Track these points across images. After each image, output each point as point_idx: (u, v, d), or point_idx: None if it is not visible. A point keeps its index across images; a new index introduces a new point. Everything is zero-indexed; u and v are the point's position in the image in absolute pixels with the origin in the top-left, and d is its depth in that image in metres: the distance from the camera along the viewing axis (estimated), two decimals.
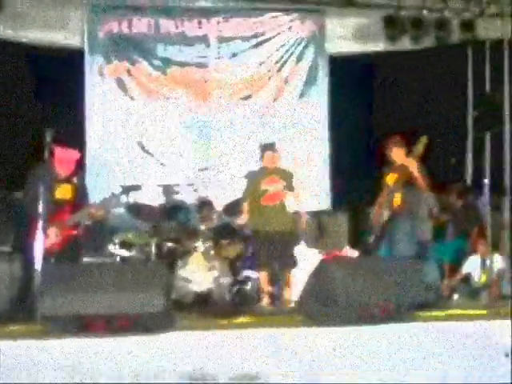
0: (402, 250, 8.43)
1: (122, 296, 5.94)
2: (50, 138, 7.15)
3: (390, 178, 8.77)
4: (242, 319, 6.92)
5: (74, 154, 8.02)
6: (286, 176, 8.97)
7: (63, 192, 7.82)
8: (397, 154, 8.75)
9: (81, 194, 8.06)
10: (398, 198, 8.64)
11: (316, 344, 6.10)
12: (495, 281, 9.23)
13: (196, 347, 5.97)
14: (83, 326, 5.93)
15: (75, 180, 8.00)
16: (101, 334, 5.91)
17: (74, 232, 7.79)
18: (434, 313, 7.10)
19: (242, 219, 9.00)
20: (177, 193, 9.75)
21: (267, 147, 9.14)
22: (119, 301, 5.93)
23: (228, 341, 6.06)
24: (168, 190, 9.74)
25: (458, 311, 7.45)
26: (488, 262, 9.33)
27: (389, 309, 6.44)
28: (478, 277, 9.52)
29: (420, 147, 8.34)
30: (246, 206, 8.89)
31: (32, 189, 7.39)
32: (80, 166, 8.40)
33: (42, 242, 6.81)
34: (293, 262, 8.74)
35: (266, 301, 8.48)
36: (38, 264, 6.68)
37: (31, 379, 5.68)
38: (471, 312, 7.32)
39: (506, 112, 11.70)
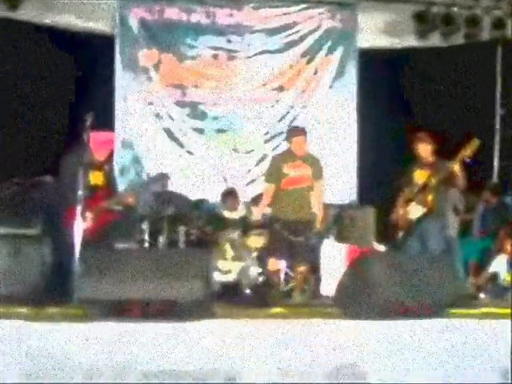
0: (433, 247, 8.42)
1: (161, 282, 5.94)
2: (90, 122, 7.13)
3: (420, 175, 8.69)
4: (276, 310, 6.89)
5: (110, 136, 8.02)
6: (314, 162, 8.75)
7: (96, 178, 7.84)
8: (424, 149, 8.67)
9: (111, 181, 8.10)
10: (431, 197, 8.57)
11: (351, 336, 6.09)
12: None
13: (231, 336, 5.96)
14: (121, 310, 5.93)
15: (106, 167, 8.01)
16: (138, 318, 5.91)
17: (108, 218, 7.81)
18: (467, 310, 7.06)
19: (262, 205, 8.80)
20: None
21: (297, 131, 8.91)
22: (158, 287, 5.93)
23: (265, 331, 6.04)
24: None
25: (492, 309, 7.40)
26: None
27: (425, 305, 6.42)
28: (504, 276, 9.52)
29: (470, 150, 8.16)
30: (269, 190, 8.67)
31: (69, 173, 7.37)
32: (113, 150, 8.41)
33: (80, 226, 6.85)
34: (307, 255, 8.67)
35: (296, 293, 8.52)
36: (77, 248, 6.72)
37: (67, 360, 5.68)
38: (504, 311, 7.27)
39: None
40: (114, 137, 8.18)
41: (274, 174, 8.66)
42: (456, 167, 8.26)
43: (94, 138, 7.58)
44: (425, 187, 8.52)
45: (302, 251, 8.60)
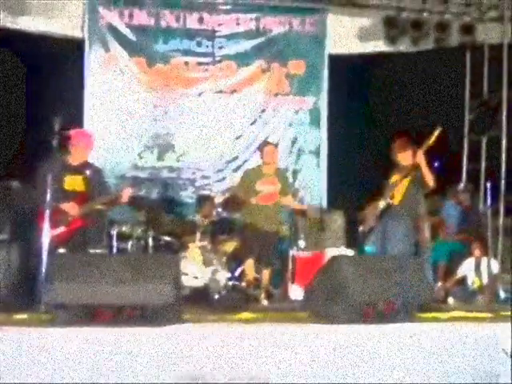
0: (399, 250, 8.37)
1: (131, 287, 5.91)
2: (59, 126, 7.07)
3: (395, 179, 8.70)
4: (246, 315, 6.86)
5: (89, 133, 7.90)
6: (283, 179, 9.16)
7: (73, 183, 7.74)
8: (403, 157, 8.64)
9: (96, 185, 7.93)
10: (398, 194, 8.55)
11: (321, 341, 6.09)
12: (490, 285, 9.21)
13: (202, 341, 5.94)
14: (91, 315, 5.90)
15: (88, 172, 7.88)
16: (108, 324, 5.88)
17: (77, 223, 7.74)
18: (436, 314, 7.10)
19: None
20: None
21: (268, 142, 9.50)
22: (128, 291, 5.90)
23: (234, 335, 6.03)
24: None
25: (461, 313, 7.43)
26: (483, 265, 9.39)
27: (394, 307, 6.45)
28: (472, 280, 9.54)
29: (432, 138, 8.20)
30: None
31: (43, 179, 7.27)
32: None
33: (48, 231, 6.79)
34: (274, 262, 8.99)
35: (263, 296, 8.57)
36: (45, 253, 6.67)
37: (36, 368, 5.63)
38: (473, 315, 7.31)
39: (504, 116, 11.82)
40: (91, 132, 7.95)
41: (246, 189, 8.96)
42: (420, 162, 8.27)
43: (74, 135, 7.50)
44: (395, 185, 8.54)
45: (269, 256, 8.90)
